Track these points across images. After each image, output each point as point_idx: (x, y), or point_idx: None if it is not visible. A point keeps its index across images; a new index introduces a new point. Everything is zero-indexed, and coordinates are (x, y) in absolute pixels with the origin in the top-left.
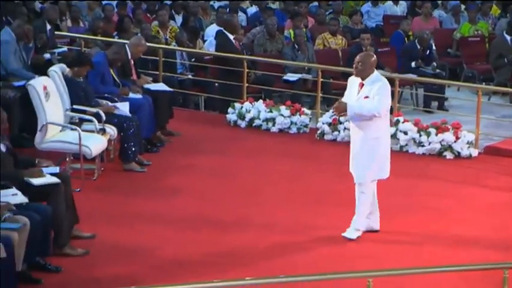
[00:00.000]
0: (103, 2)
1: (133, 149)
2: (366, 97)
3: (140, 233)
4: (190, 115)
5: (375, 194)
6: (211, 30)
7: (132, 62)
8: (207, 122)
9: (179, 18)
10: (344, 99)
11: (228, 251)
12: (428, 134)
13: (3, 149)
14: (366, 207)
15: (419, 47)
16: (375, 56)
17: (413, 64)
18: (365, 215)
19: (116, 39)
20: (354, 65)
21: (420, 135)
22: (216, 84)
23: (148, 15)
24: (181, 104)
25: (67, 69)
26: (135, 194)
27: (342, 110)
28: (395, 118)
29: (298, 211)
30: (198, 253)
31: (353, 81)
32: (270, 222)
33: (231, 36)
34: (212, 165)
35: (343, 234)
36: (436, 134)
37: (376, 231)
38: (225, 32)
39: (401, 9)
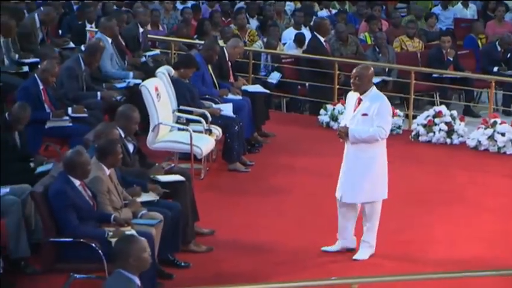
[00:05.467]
0: (179, 6)
1: (237, 149)
2: (365, 114)
3: (256, 230)
4: (279, 116)
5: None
6: (289, 33)
7: (229, 64)
8: (298, 124)
9: (253, 22)
10: (343, 116)
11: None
12: None
13: (131, 149)
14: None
15: (499, 49)
16: (372, 68)
17: (495, 69)
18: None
19: (197, 42)
20: (351, 80)
21: None
22: (299, 86)
23: (223, 18)
24: None
25: (173, 71)
26: (243, 193)
27: (344, 134)
28: (492, 120)
29: (405, 210)
30: (316, 249)
31: (351, 97)
32: (381, 221)
33: (322, 39)
34: (312, 165)
35: (354, 257)
36: None
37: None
38: (317, 34)
39: (470, 12)
